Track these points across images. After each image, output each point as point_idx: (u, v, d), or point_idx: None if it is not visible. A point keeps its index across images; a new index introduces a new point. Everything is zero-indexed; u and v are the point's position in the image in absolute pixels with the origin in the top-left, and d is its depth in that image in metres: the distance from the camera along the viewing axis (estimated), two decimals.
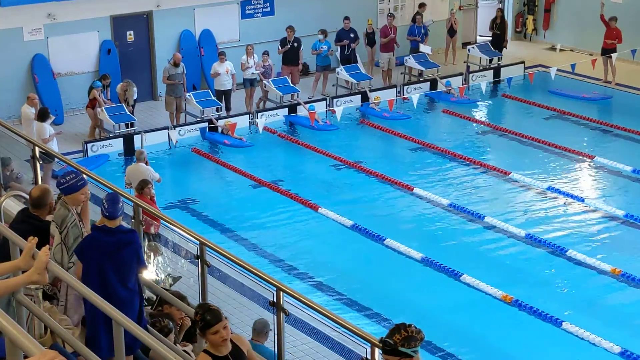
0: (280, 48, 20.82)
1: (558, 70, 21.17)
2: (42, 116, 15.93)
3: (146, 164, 14.22)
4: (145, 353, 7.00)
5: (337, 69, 21.46)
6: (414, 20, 22.97)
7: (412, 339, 4.67)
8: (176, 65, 19.00)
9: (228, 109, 19.70)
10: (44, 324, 6.46)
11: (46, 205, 7.59)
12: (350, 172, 17.35)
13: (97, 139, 18.06)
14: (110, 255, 6.72)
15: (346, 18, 21.65)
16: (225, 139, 18.50)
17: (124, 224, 7.30)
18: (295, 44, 20.81)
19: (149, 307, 8.24)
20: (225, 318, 5.62)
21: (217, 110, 19.40)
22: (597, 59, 21.63)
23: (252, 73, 19.95)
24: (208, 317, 5.40)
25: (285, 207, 15.73)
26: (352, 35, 21.72)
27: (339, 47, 21.77)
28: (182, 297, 8.15)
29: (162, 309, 8.18)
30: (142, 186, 12.66)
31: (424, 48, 22.55)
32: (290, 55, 20.82)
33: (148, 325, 7.18)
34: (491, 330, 12.07)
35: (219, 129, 18.68)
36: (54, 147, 15.73)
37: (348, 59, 21.70)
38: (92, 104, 18.36)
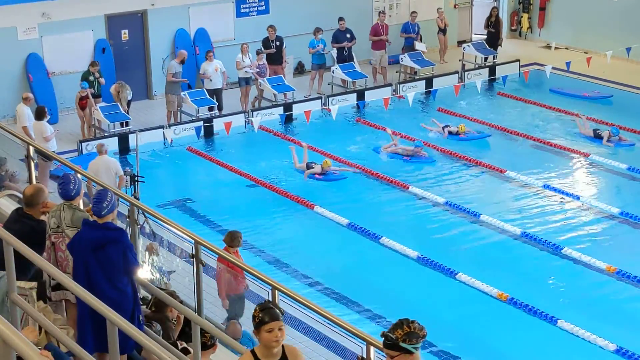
0: (263, 48, 20.65)
1: (553, 68, 21.15)
2: (40, 115, 15.88)
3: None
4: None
5: (333, 68, 21.43)
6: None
7: (414, 336, 4.62)
8: (182, 62, 19.05)
9: (220, 108, 19.65)
10: (38, 324, 6.43)
11: (39, 204, 7.55)
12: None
13: (92, 137, 18.02)
14: (95, 252, 6.68)
15: (341, 19, 21.56)
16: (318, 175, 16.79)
17: (119, 223, 7.28)
18: (278, 43, 20.72)
19: (143, 306, 8.20)
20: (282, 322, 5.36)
21: (210, 109, 19.37)
22: (591, 57, 21.63)
23: (247, 72, 19.91)
24: (265, 314, 5.26)
25: (281, 206, 15.72)
26: (348, 35, 21.65)
27: (336, 48, 21.68)
28: (171, 294, 8.10)
29: (156, 309, 8.13)
30: (231, 239, 10.74)
31: (420, 45, 22.55)
32: (274, 54, 20.72)
33: (145, 327, 7.15)
34: (486, 328, 12.07)
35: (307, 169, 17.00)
36: (53, 145, 15.73)
37: (344, 60, 21.61)
38: (80, 105, 18.31)
